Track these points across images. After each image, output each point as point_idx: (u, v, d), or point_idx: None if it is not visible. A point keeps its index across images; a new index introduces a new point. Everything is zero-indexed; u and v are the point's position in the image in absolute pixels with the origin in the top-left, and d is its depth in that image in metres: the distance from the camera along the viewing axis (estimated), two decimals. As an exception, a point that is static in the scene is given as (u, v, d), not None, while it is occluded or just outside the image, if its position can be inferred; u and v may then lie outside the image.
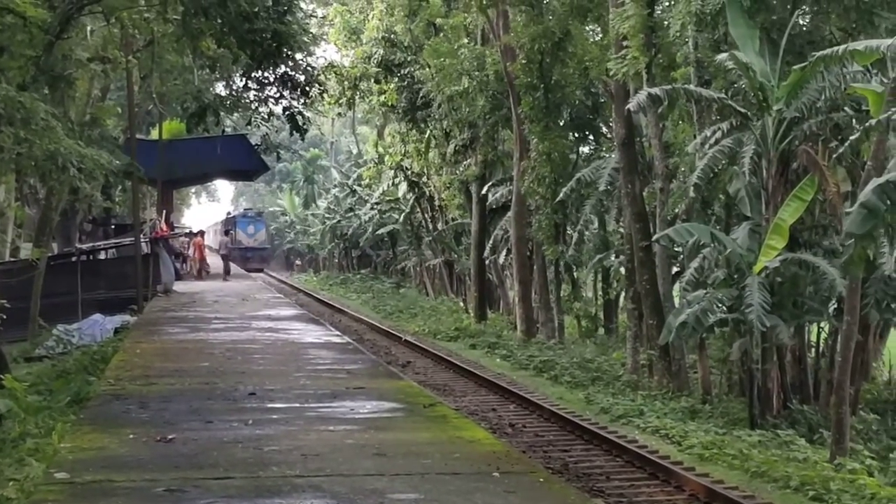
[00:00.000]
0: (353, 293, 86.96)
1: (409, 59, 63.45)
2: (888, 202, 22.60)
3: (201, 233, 78.77)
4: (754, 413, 33.21)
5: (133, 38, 39.99)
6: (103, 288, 49.08)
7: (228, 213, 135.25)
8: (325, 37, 67.03)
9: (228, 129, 53.81)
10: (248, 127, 53.37)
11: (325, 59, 62.94)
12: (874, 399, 36.33)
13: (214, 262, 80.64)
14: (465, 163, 63.02)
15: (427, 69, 59.44)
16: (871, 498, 22.01)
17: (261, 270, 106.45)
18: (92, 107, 45.44)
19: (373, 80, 68.79)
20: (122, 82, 49.10)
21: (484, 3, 49.24)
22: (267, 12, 31.18)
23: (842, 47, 32.08)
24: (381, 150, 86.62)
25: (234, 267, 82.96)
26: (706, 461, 25.77)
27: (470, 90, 54.55)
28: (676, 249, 36.64)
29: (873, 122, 26.98)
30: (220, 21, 30.58)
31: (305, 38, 37.97)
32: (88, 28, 37.42)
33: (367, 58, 68.06)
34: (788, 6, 34.39)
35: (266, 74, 36.15)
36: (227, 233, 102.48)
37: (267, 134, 53.43)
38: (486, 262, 64.71)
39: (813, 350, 37.37)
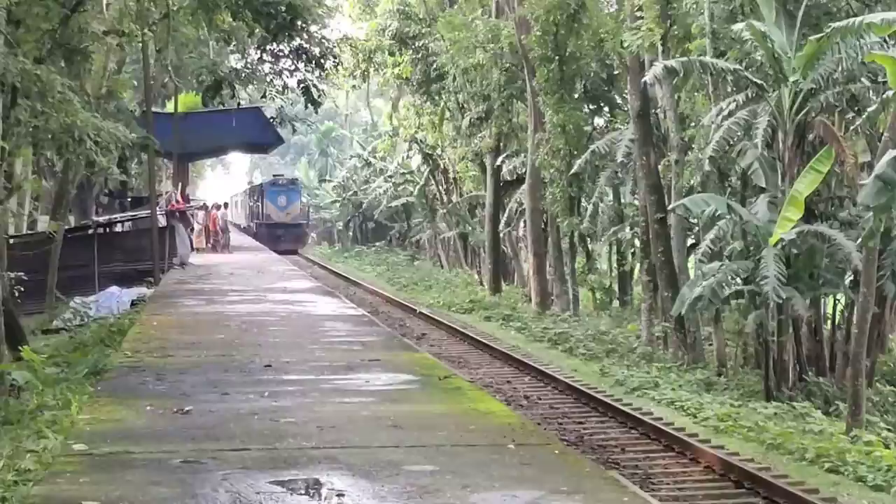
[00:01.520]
0: (367, 266, 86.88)
1: (423, 31, 63.46)
2: (893, 177, 22.62)
3: (222, 205, 78.09)
4: (770, 385, 33.20)
5: (148, 11, 40.00)
6: (120, 260, 49.08)
7: (249, 185, 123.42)
8: (339, 9, 66.91)
9: (244, 102, 53.81)
10: (263, 100, 53.44)
11: (340, 31, 62.86)
12: (890, 371, 36.29)
13: (237, 239, 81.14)
14: (479, 135, 62.92)
15: (441, 41, 59.42)
16: (887, 470, 22.03)
17: (294, 252, 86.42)
18: (108, 80, 45.44)
19: (387, 53, 68.83)
20: (137, 55, 49.11)
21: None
22: (280, -17, 31.23)
23: (858, 19, 32.07)
24: (395, 122, 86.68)
25: (249, 240, 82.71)
26: (721, 433, 25.76)
27: (484, 63, 54.57)
28: (692, 221, 36.62)
29: (891, 92, 26.98)
30: (230, -5, 30.64)
31: (320, 11, 38.05)
32: (104, 1, 37.42)
33: (382, 30, 68.09)
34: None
35: (281, 47, 36.18)
36: (252, 206, 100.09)
37: (282, 107, 53.49)
38: (501, 234, 64.57)
39: (829, 322, 37.34)
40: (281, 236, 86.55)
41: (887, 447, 24.87)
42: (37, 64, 29.51)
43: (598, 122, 52.15)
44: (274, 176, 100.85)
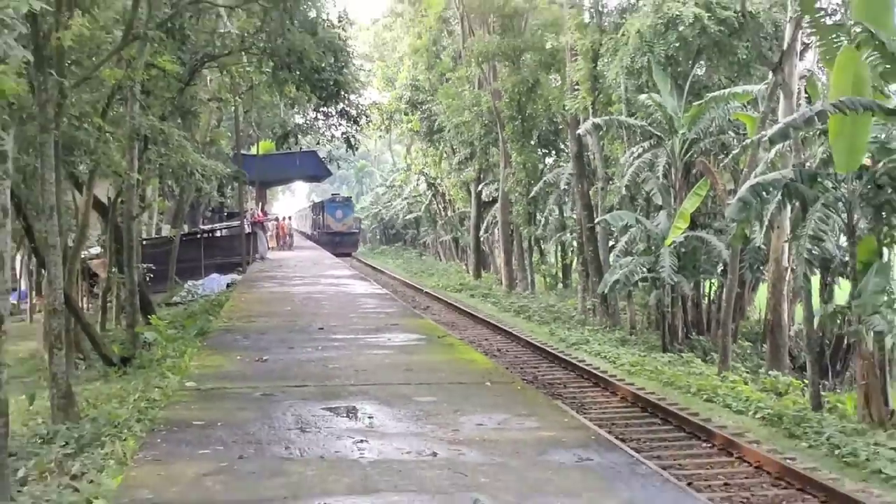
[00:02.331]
0: (389, 260, 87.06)
1: (427, 98, 63.53)
2: (757, 197, 22.57)
3: (287, 218, 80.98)
4: (665, 342, 33.40)
5: (238, 84, 39.99)
6: (219, 256, 49.11)
7: (312, 200, 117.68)
8: (370, 83, 66.94)
9: (304, 147, 53.81)
10: (318, 145, 53.42)
11: (370, 98, 62.93)
12: (748, 332, 36.46)
13: (300, 242, 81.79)
14: (466, 170, 63.20)
15: (440, 105, 59.47)
16: (745, 399, 22.06)
17: (349, 255, 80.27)
18: (210, 132, 45.39)
19: (403, 113, 69.04)
20: (231, 114, 49.10)
21: (479, 60, 49.17)
22: (330, 66, 31.23)
23: (727, 90, 32.17)
24: (408, 161, 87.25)
25: (309, 243, 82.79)
26: (632, 375, 25.87)
27: (469, 120, 54.57)
28: (612, 229, 36.73)
29: (748, 141, 26.97)
30: (298, 73, 30.64)
31: (356, 85, 37.94)
32: (208, 77, 37.39)
33: (399, 98, 68.23)
34: (690, 61, 34.37)
35: (329, 109, 36.18)
36: (313, 218, 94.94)
37: (330, 150, 53.79)
38: (481, 238, 64.92)
39: (706, 298, 37.49)
40: (338, 242, 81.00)
41: (746, 384, 24.95)
42: (161, 121, 29.53)
43: (548, 161, 52.34)
44: (332, 195, 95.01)
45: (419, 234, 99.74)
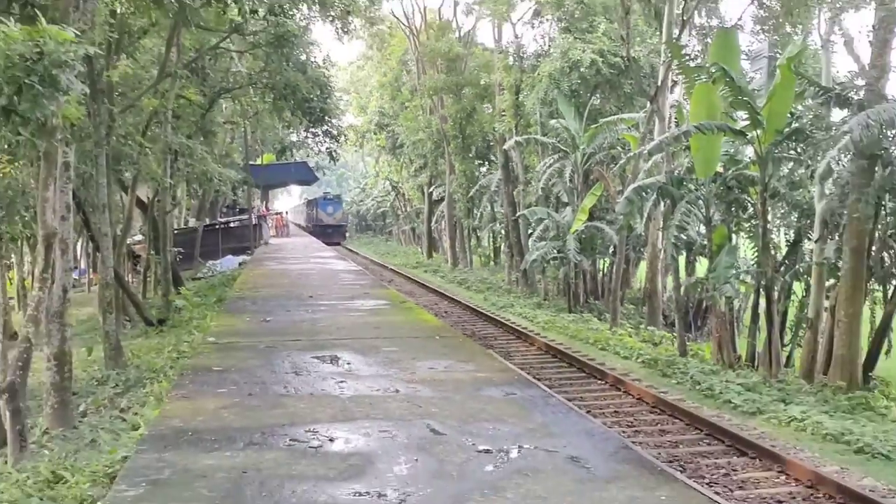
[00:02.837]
0: (363, 245, 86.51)
1: (391, 122, 63.36)
2: (639, 196, 22.69)
3: (284, 213, 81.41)
4: (570, 305, 33.48)
5: (246, 110, 39.80)
6: (232, 242, 48.84)
7: (306, 198, 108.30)
8: (347, 110, 66.78)
9: (297, 158, 53.55)
10: (307, 157, 53.22)
11: (347, 122, 62.82)
12: (632, 297, 36.69)
13: (294, 232, 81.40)
14: (420, 176, 63.08)
15: (401, 127, 59.32)
16: (630, 348, 22.18)
17: (338, 244, 74.01)
18: (225, 147, 45.19)
19: (372, 133, 68.95)
20: (241, 134, 48.83)
21: (430, 93, 49.06)
22: (317, 97, 31.13)
23: (616, 116, 32.26)
24: (376, 169, 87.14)
25: (302, 233, 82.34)
26: (546, 330, 25.90)
27: (423, 138, 54.48)
28: (530, 221, 36.75)
29: (632, 154, 27.09)
30: (292, 102, 30.52)
31: (337, 111, 37.94)
32: (223, 105, 37.16)
33: (370, 121, 68.26)
34: (588, 94, 34.44)
35: (316, 130, 36.01)
36: (307, 212, 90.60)
37: (317, 161, 53.57)
38: (432, 227, 64.80)
39: (601, 272, 37.64)
40: (329, 233, 75.15)
41: (630, 337, 25.09)
42: (188, 139, 29.37)
43: (483, 169, 52.25)
44: (324, 193, 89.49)
45: (385, 224, 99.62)
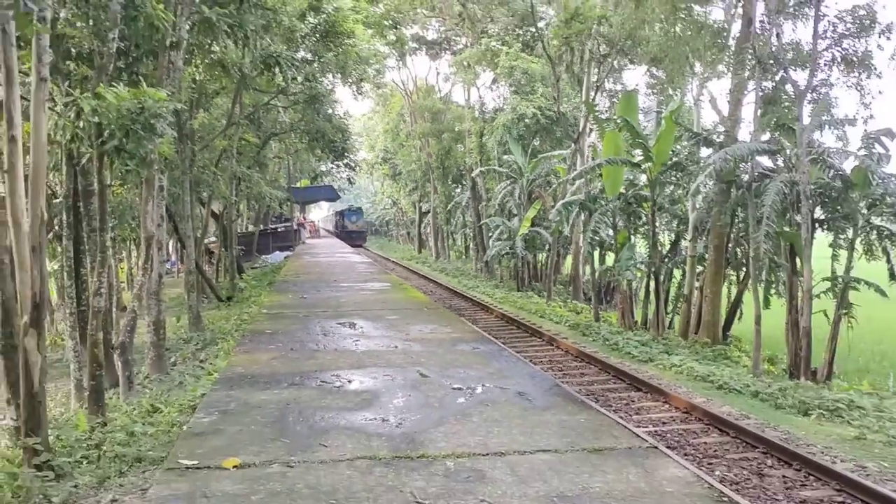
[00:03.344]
0: (372, 244, 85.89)
1: (392, 156, 63.15)
2: (566, 210, 22.72)
3: (314, 222, 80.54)
4: (519, 285, 33.44)
5: (289, 148, 39.61)
6: (279, 241, 48.37)
7: (334, 210, 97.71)
8: (361, 148, 66.53)
9: (325, 182, 53.17)
10: (332, 181, 52.96)
11: (361, 156, 62.57)
12: (561, 280, 36.63)
13: (324, 235, 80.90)
14: (413, 195, 62.91)
15: (399, 160, 59.11)
16: (560, 316, 22.21)
17: (360, 246, 67.50)
18: (274, 174, 44.94)
19: (379, 164, 68.71)
20: (285, 165, 48.57)
21: (420, 136, 48.87)
22: (339, 139, 30.96)
23: (551, 153, 32.26)
24: (382, 190, 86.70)
25: (329, 236, 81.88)
26: (501, 303, 25.87)
27: (414, 168, 54.30)
28: (490, 227, 36.66)
29: (562, 180, 27.11)
30: (321, 143, 30.37)
31: (353, 149, 37.77)
32: (273, 145, 36.93)
33: (377, 156, 67.90)
34: (531, 138, 34.37)
35: (338, 162, 35.79)
36: (337, 221, 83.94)
37: (340, 184, 53.29)
38: (421, 231, 64.66)
39: (540, 263, 37.60)
40: (353, 238, 69.54)
41: (560, 308, 25.11)
42: (248, 169, 29.16)
43: (457, 190, 52.04)
44: (349, 206, 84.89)
45: (388, 229, 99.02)
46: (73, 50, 11.63)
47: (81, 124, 9.10)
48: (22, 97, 7.49)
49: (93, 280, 10.76)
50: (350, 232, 72.74)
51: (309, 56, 24.28)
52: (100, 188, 10.65)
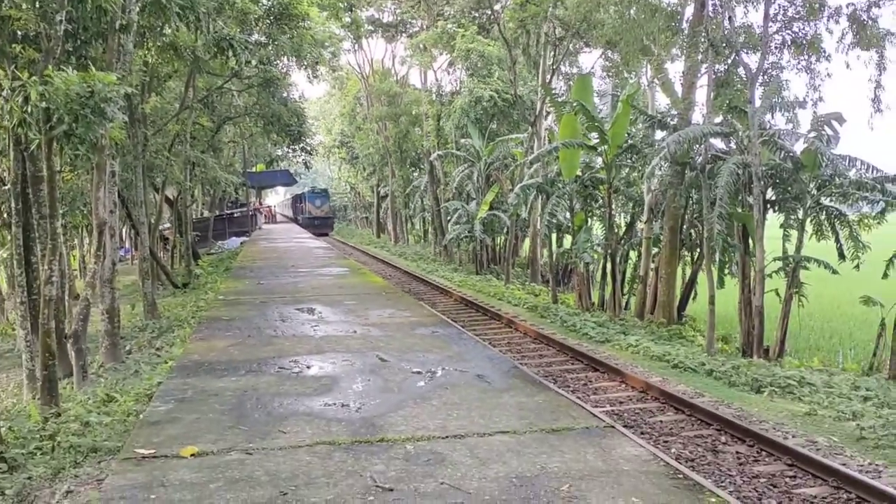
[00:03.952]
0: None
1: (349, 140, 62.74)
2: (524, 193, 22.83)
3: (270, 207, 78.80)
4: (478, 268, 33.57)
5: (244, 132, 39.12)
6: (235, 227, 47.79)
7: (294, 194, 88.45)
8: (317, 131, 65.91)
9: (281, 167, 52.60)
10: (289, 165, 52.44)
11: (317, 140, 62.06)
12: (519, 263, 36.80)
13: (280, 221, 79.92)
14: (371, 179, 62.67)
15: (357, 144, 58.74)
16: (518, 298, 22.27)
17: (326, 235, 60.01)
18: (229, 159, 44.39)
19: (336, 148, 68.19)
20: (241, 150, 47.94)
21: (377, 119, 48.57)
22: (295, 123, 30.69)
23: (508, 136, 32.36)
24: (339, 174, 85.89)
25: (286, 221, 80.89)
26: (460, 287, 25.86)
27: (372, 152, 54.01)
28: (449, 211, 36.66)
29: (519, 163, 27.22)
30: (277, 126, 30.06)
31: (310, 133, 37.44)
32: (227, 129, 36.43)
33: (334, 140, 67.43)
34: (489, 121, 34.42)
35: (295, 146, 35.39)
36: (295, 206, 74.74)
37: (296, 169, 52.84)
38: (380, 216, 64.36)
39: (498, 246, 37.69)
40: (318, 225, 60.76)
41: (518, 290, 25.22)
42: (202, 153, 28.75)
43: (415, 174, 51.83)
44: (311, 187, 73.32)
45: (346, 214, 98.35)
46: (18, 33, 11.34)
47: (29, 109, 8.89)
48: (-35, 81, 7.29)
49: (44, 268, 10.55)
50: (313, 218, 62.80)
51: (263, 39, 23.96)
52: (49, 174, 10.42)
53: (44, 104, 8.57)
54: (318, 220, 62.11)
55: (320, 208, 63.94)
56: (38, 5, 10.39)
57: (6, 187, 14.29)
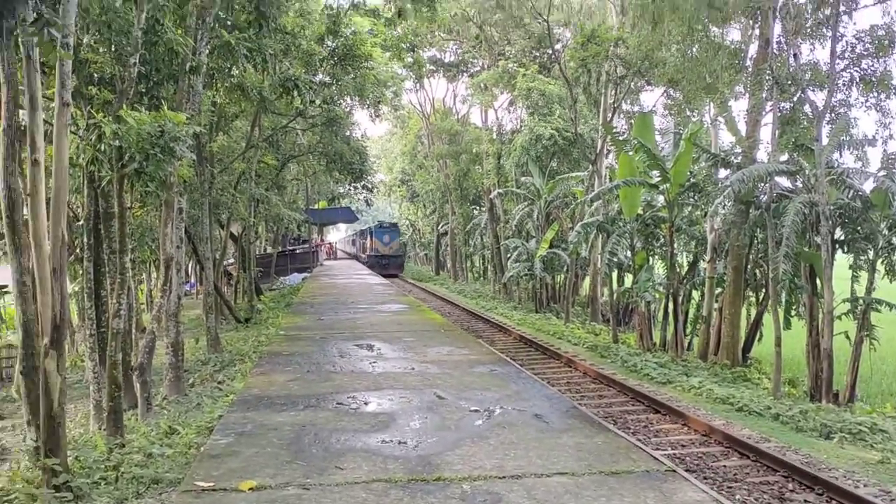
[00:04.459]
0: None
1: (410, 178, 63.39)
2: (584, 231, 22.71)
3: (331, 243, 79.63)
4: (537, 306, 33.33)
5: (307, 170, 39.80)
6: (297, 263, 48.41)
7: (359, 230, 75.73)
8: (379, 169, 66.81)
9: (343, 204, 53.32)
10: (350, 203, 53.12)
11: (379, 178, 62.81)
12: (579, 302, 36.46)
13: (343, 257, 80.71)
14: (431, 216, 62.97)
15: (417, 182, 59.32)
16: (578, 337, 22.08)
17: (396, 276, 53.45)
18: (292, 196, 45.22)
19: (397, 186, 68.92)
20: (304, 187, 48.80)
21: (437, 157, 49.04)
22: (357, 161, 31.09)
23: (569, 175, 32.27)
24: (400, 211, 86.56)
25: (347, 258, 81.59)
26: (519, 325, 25.69)
27: (433, 189, 54.47)
28: (509, 249, 36.61)
29: (579, 201, 27.11)
30: (339, 164, 30.52)
31: (371, 171, 37.95)
32: (291, 167, 37.16)
33: (395, 178, 68.21)
34: (549, 159, 34.44)
35: (356, 184, 35.88)
36: (360, 242, 66.84)
37: (358, 206, 53.44)
38: (440, 253, 64.35)
39: (558, 284, 37.42)
40: (385, 264, 53.63)
41: (578, 329, 24.97)
42: (266, 191, 29.35)
43: (476, 212, 51.99)
44: (379, 221, 65.04)
45: (406, 251, 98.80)
46: (95, 75, 11.82)
47: (102, 147, 9.24)
48: (45, 121, 7.62)
49: (112, 301, 10.87)
50: (381, 257, 54.95)
51: (327, 79, 24.50)
52: (120, 210, 10.78)
53: (117, 143, 8.91)
54: (387, 260, 54.73)
55: (389, 245, 55.84)
56: (113, 49, 10.86)
57: (80, 223, 14.84)
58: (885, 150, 16.87)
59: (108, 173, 9.88)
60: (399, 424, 7.77)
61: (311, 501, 5.52)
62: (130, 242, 13.75)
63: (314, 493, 5.70)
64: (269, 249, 49.17)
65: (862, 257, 17.61)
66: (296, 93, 19.37)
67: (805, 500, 8.20)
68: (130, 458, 8.05)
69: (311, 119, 27.67)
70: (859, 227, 17.13)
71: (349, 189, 42.45)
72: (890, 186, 16.10)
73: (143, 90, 12.07)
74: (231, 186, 25.83)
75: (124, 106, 9.76)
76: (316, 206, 56.22)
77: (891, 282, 17.45)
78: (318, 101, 23.64)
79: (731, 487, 8.66)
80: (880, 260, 17.27)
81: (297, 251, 52.01)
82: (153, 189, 10.28)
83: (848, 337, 17.27)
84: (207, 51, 14.18)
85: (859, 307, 17.06)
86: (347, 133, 31.77)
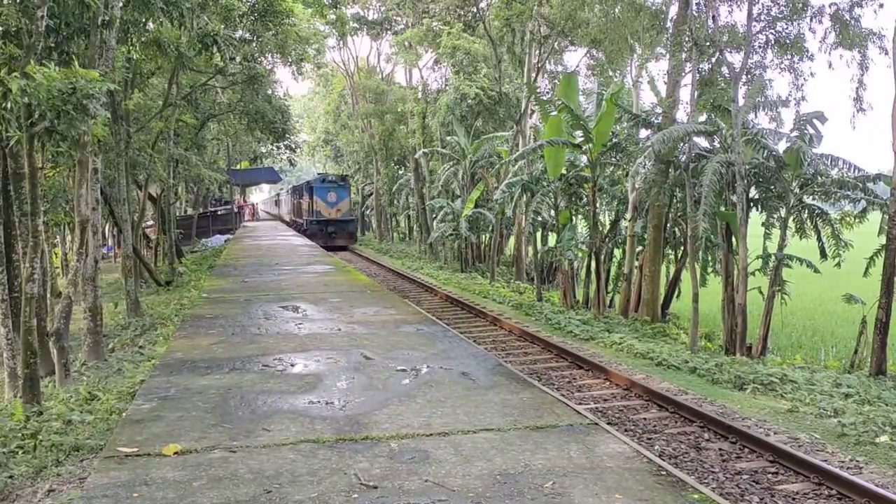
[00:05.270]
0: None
1: (333, 138, 62.52)
2: (509, 190, 22.89)
3: (254, 204, 78.06)
4: (463, 266, 33.55)
5: (228, 129, 38.84)
6: (219, 224, 47.65)
7: (291, 186, 63.18)
8: (302, 129, 65.63)
9: (265, 164, 52.27)
10: (273, 163, 52.15)
11: (302, 138, 61.74)
12: (504, 261, 36.78)
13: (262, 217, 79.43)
14: (356, 177, 62.29)
15: (341, 142, 58.57)
16: (503, 296, 22.34)
17: (345, 248, 42.16)
18: (213, 156, 44.08)
19: (320, 146, 67.90)
20: (225, 147, 47.64)
21: (363, 117, 48.44)
22: (279, 120, 30.50)
23: (492, 134, 32.36)
24: (325, 171, 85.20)
25: (268, 217, 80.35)
26: (445, 285, 25.85)
27: (357, 150, 53.88)
28: (434, 209, 36.61)
29: (504, 161, 27.25)
30: (261, 124, 29.91)
31: (294, 130, 37.29)
32: (211, 126, 36.17)
33: (318, 137, 67.12)
34: (474, 119, 34.44)
35: (279, 144, 35.14)
36: (294, 202, 53.58)
37: (280, 166, 52.51)
38: (364, 213, 63.98)
39: (483, 244, 37.66)
40: (333, 233, 41.44)
41: (503, 288, 25.26)
42: (185, 151, 28.57)
43: (400, 172, 51.68)
44: (321, 174, 53.13)
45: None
46: (-1, 28, 11.21)
47: (9, 105, 8.81)
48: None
49: (25, 266, 10.46)
50: (325, 223, 42.25)
51: (247, 35, 23.84)
52: (30, 171, 10.32)
53: (25, 100, 8.49)
54: (334, 226, 42.57)
55: (336, 206, 42.96)
56: (18, 0, 10.30)
57: (-13, 184, 14.17)
58: (797, 112, 17.45)
59: (16, 132, 9.43)
60: (326, 385, 7.77)
61: (238, 464, 5.48)
62: (43, 204, 13.18)
63: (241, 455, 5.67)
64: (190, 211, 47.99)
65: (774, 215, 18.25)
66: (215, 49, 18.77)
67: (720, 449, 8.57)
68: (49, 425, 7.85)
69: (231, 77, 26.94)
70: (772, 187, 17.73)
71: (272, 149, 41.59)
72: (801, 146, 16.70)
73: (53, 45, 11.52)
74: (148, 146, 25.02)
75: (32, 61, 9.29)
76: (238, 167, 55.06)
77: (801, 239, 18.19)
78: (238, 59, 23.02)
79: (650, 438, 8.97)
80: (791, 218, 17.96)
81: (219, 212, 50.95)
82: (66, 149, 9.88)
83: (761, 292, 17.97)
84: (121, 4, 13.58)
85: (771, 263, 17.74)
86: (269, 91, 31.06)
